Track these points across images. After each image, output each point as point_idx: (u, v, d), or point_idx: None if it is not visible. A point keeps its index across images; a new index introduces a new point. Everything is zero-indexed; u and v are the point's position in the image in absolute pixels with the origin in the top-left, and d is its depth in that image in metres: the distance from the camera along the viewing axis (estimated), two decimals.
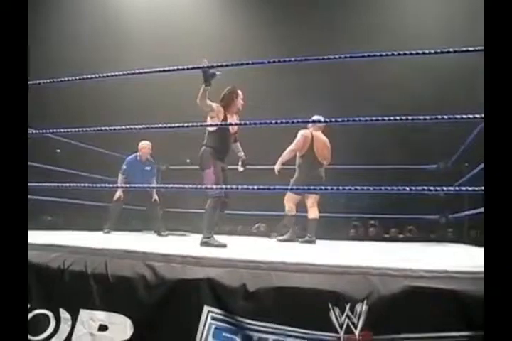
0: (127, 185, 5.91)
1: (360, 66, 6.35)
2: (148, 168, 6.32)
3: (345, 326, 2.15)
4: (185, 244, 4.38)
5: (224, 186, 3.78)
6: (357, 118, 2.75)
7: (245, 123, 3.05)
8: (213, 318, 2.31)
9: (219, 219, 4.11)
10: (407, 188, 2.61)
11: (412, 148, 7.86)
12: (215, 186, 3.70)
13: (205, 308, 2.31)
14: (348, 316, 2.15)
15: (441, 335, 2.11)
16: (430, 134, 7.47)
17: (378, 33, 7.99)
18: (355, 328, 2.14)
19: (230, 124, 4.05)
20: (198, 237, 5.31)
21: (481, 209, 4.56)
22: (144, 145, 6.34)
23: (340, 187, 2.59)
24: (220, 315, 2.30)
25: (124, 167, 6.24)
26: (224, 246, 3.82)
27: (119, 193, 6.14)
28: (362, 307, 2.15)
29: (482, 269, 2.28)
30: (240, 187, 2.61)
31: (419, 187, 2.61)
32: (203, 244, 3.87)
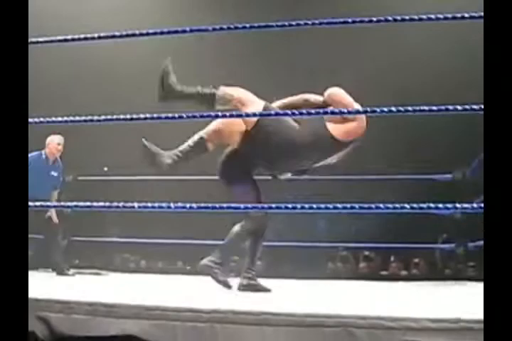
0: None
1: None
2: (54, 174, 6.15)
3: None
4: (98, 287, 4.31)
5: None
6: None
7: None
8: None
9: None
10: (409, 206, 2.60)
11: (417, 152, 7.98)
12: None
13: None
14: None
15: None
16: (441, 135, 7.62)
17: None
18: None
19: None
20: (117, 277, 5.24)
21: None
22: (54, 140, 6.14)
23: (315, 206, 2.58)
24: None
25: None
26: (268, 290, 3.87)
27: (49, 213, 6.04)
28: None
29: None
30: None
31: (427, 205, 2.60)
32: (246, 287, 3.87)
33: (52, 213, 6.11)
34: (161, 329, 2.37)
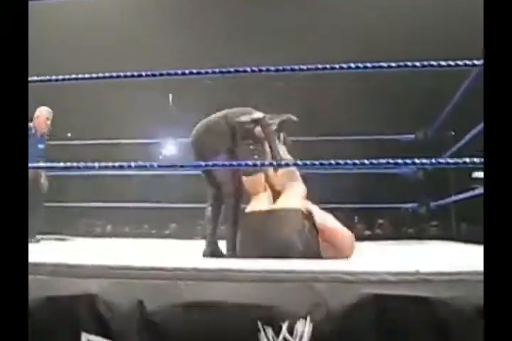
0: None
1: None
2: (41, 147, 6.08)
3: None
4: (63, 250, 4.31)
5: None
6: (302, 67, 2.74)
7: None
8: None
9: None
10: (369, 162, 2.64)
11: (381, 113, 8.01)
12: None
13: (84, 336, 2.27)
14: (285, 339, 2.17)
15: None
16: (404, 95, 7.63)
17: None
18: None
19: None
20: (83, 241, 5.23)
21: (474, 193, 4.73)
22: (44, 114, 6.06)
23: (274, 163, 2.59)
24: None
25: None
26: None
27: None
28: (304, 326, 2.18)
29: (465, 269, 2.37)
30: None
31: (387, 161, 2.65)
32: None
33: (43, 176, 6.08)
34: (121, 288, 2.36)
